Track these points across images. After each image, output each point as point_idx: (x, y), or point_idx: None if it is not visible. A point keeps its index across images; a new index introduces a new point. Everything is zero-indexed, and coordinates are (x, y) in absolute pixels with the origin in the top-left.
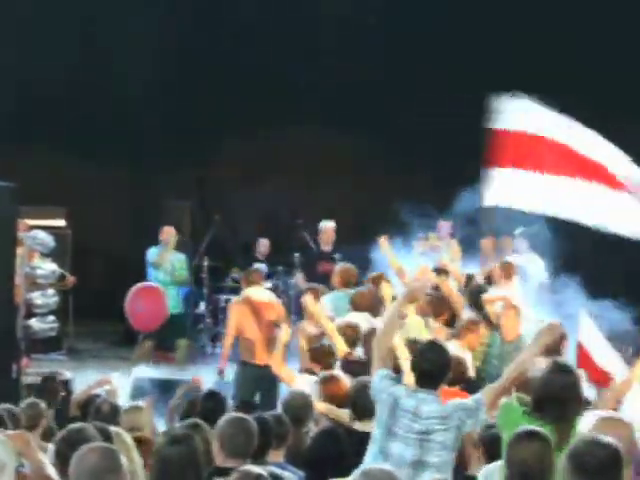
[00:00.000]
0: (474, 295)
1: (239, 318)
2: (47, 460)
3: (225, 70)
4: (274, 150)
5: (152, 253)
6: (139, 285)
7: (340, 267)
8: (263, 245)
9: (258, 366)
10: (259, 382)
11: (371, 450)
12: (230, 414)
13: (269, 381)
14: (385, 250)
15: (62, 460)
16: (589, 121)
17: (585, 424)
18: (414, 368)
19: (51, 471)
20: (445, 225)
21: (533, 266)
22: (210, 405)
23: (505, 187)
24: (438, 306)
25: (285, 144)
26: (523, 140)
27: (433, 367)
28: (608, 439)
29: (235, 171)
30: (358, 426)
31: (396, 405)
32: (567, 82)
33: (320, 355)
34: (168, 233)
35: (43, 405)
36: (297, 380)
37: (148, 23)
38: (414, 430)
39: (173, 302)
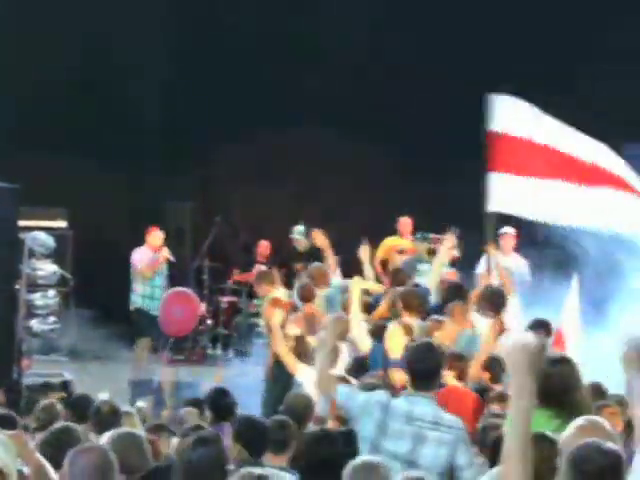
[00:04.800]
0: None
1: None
2: (45, 461)
3: (225, 69)
4: (274, 152)
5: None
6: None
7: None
8: (263, 247)
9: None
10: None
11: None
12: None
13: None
14: (363, 255)
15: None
16: None
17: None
18: (408, 369)
19: (51, 472)
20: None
21: (517, 265)
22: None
23: (508, 193)
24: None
25: (285, 146)
26: (522, 146)
27: (427, 367)
28: (610, 445)
29: (235, 172)
30: None
31: (386, 410)
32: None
33: None
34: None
35: (59, 407)
36: (300, 369)
37: (148, 23)
38: (405, 433)
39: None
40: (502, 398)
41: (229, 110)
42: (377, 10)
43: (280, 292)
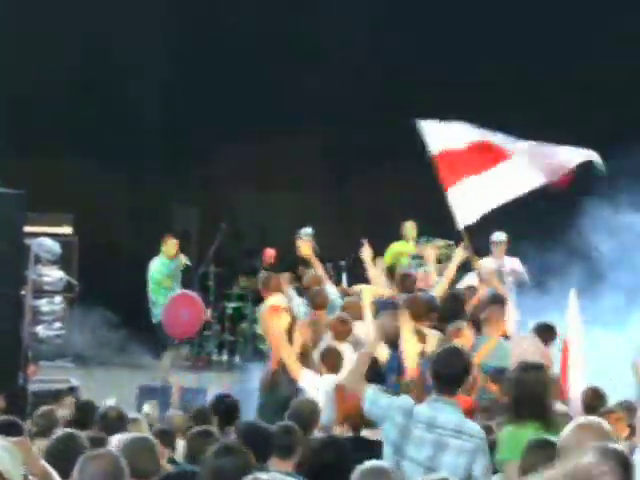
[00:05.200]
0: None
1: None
2: (51, 468)
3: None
4: (274, 152)
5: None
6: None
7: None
8: (268, 255)
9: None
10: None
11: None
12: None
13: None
14: (366, 255)
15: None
16: None
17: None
18: (434, 373)
19: (57, 479)
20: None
21: (512, 266)
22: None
23: (466, 201)
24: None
25: (285, 146)
26: (456, 153)
27: (453, 372)
28: (616, 446)
29: (235, 172)
30: (366, 433)
31: (409, 416)
32: None
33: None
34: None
35: (60, 412)
36: (303, 374)
37: (148, 24)
38: (427, 440)
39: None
40: (487, 410)
41: (229, 110)
42: (377, 10)
43: (278, 298)
